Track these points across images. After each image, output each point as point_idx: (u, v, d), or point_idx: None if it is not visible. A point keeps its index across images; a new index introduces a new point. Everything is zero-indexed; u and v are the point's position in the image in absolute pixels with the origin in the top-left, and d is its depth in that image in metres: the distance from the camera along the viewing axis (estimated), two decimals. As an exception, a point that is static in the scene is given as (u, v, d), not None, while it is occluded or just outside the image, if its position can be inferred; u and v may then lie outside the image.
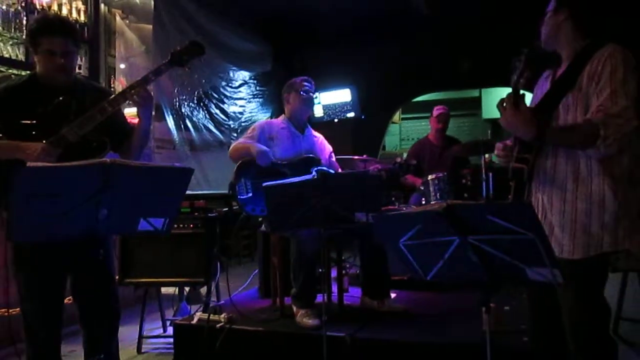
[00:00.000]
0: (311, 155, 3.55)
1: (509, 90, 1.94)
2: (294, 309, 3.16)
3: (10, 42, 4.50)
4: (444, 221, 1.60)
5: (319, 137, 3.81)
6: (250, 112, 7.40)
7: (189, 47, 2.40)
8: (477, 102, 9.78)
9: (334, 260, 3.66)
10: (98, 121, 2.22)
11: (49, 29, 2.21)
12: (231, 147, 3.61)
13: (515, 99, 1.88)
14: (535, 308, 2.10)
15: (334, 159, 3.80)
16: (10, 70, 4.47)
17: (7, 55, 4.47)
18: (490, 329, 1.79)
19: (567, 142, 1.90)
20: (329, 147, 3.82)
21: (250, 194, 3.40)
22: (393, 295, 3.46)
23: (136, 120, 2.42)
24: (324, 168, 3.46)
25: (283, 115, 3.74)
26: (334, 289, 3.56)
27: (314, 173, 2.59)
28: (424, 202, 4.44)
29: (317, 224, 2.52)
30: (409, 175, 4.64)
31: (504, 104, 1.90)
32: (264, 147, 3.42)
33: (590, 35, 1.97)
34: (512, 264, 1.61)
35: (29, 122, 2.17)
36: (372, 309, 3.34)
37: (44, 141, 2.14)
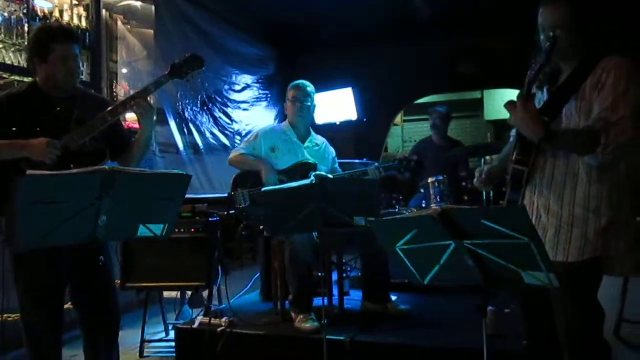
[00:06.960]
0: (307, 160, 3.55)
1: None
2: (292, 314, 3.17)
3: (13, 49, 4.51)
4: (439, 226, 1.61)
5: (321, 144, 3.75)
6: (255, 116, 7.41)
7: (189, 60, 2.41)
8: (479, 104, 9.75)
9: (335, 264, 3.67)
10: (98, 130, 2.25)
11: (62, 36, 2.27)
12: (233, 156, 3.63)
13: (527, 98, 1.86)
14: (528, 311, 2.11)
15: (337, 164, 3.78)
16: (12, 77, 4.49)
17: (9, 62, 4.49)
18: (488, 332, 1.80)
19: (571, 146, 1.89)
20: (332, 153, 3.79)
21: (248, 203, 3.44)
22: (394, 298, 3.46)
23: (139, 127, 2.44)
24: (323, 173, 3.46)
25: (287, 121, 3.72)
26: (335, 292, 3.56)
27: (312, 177, 2.60)
28: (424, 205, 4.45)
29: (315, 228, 2.53)
30: None
31: (514, 103, 1.85)
32: (273, 169, 3.45)
33: (590, 45, 1.95)
34: (508, 268, 1.62)
35: (30, 130, 2.18)
36: (373, 312, 3.34)
37: None
